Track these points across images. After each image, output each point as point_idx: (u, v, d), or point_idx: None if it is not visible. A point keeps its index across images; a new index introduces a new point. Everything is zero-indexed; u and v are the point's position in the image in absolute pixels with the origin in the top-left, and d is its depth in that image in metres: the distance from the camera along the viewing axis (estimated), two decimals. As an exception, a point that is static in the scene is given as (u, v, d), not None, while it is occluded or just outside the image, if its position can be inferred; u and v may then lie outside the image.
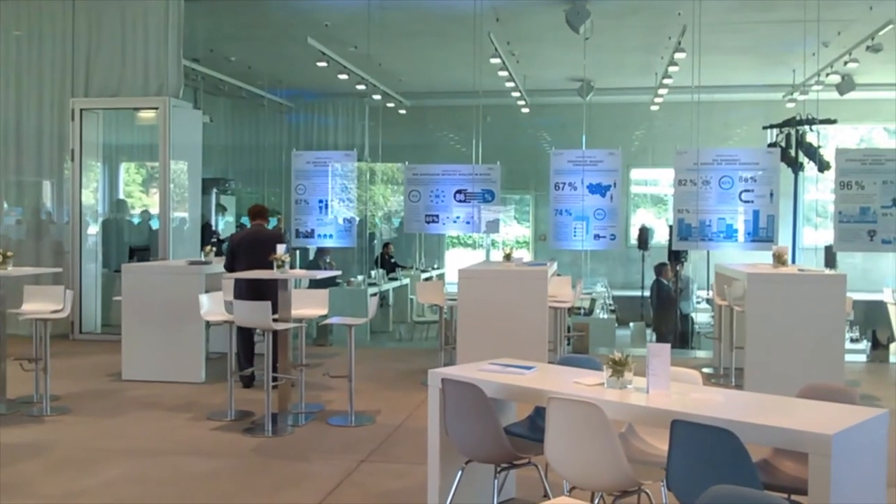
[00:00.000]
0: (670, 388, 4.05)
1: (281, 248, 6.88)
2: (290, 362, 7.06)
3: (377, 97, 15.98)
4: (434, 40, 13.91)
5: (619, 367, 4.12)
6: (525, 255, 18.66)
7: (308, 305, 7.38)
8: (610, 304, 14.06)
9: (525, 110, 17.60)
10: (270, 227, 9.19)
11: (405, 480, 5.41)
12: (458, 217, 11.30)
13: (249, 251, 7.89)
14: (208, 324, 8.46)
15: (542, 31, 13.28)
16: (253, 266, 7.47)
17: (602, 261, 17.53)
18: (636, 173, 19.32)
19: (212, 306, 7.40)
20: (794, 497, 3.67)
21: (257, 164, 17.24)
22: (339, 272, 8.17)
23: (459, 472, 4.41)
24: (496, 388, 4.34)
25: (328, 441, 6.39)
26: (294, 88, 17.64)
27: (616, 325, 12.58)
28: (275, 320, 6.66)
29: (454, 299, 8.22)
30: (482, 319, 7.76)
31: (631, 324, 13.08)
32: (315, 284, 8.49)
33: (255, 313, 6.53)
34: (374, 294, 11.02)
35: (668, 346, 4.17)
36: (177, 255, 10.85)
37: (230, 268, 7.97)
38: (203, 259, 9.29)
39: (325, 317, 7.54)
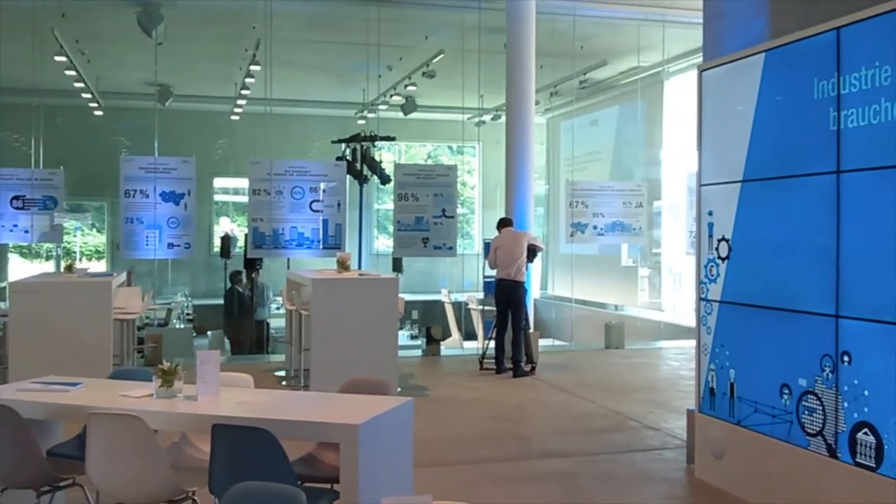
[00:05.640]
0: (220, 393, 4.15)
1: None
2: None
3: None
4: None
5: (168, 376, 4.12)
6: (98, 265, 17.63)
7: None
8: (188, 314, 13.87)
9: (98, 113, 16.65)
10: None
11: (-66, 520, 4.84)
12: (15, 225, 10.35)
13: None
14: None
15: (114, 31, 12.73)
16: None
17: (184, 270, 17.19)
18: (219, 182, 19.27)
19: None
20: (336, 486, 3.95)
21: None
22: None
23: (-6, 502, 4.08)
24: (35, 409, 4.09)
25: None
26: None
27: (194, 333, 12.44)
28: None
29: (6, 315, 7.54)
30: (38, 335, 7.22)
31: (209, 332, 13.02)
32: None
33: None
34: None
35: (217, 352, 4.28)
36: None
37: None
38: None
39: None
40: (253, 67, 13.29)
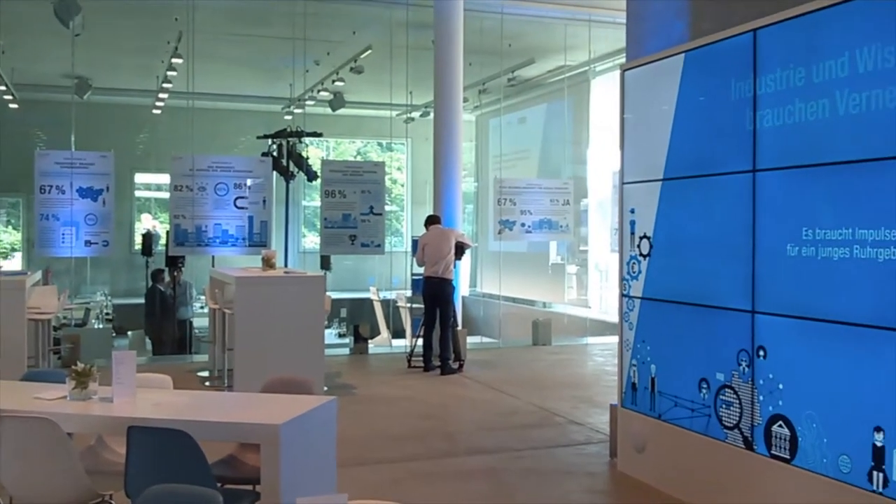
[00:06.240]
0: (137, 394, 4.04)
1: None
2: None
3: None
4: None
5: (82, 377, 4.00)
6: (14, 263, 17.04)
7: None
8: (108, 314, 13.50)
9: (13, 106, 16.08)
10: None
11: None
12: (-76, 222, 9.93)
13: None
14: None
15: (29, 22, 12.30)
16: None
17: (104, 268, 16.73)
18: (141, 177, 18.82)
19: None
20: (258, 487, 3.88)
21: None
22: None
23: None
24: (-61, 414, 3.92)
25: None
26: None
27: (114, 334, 12.13)
28: None
29: None
30: (-53, 337, 6.92)
31: (129, 332, 12.70)
32: None
33: None
34: None
35: (133, 353, 4.17)
36: None
37: None
38: None
39: None
40: (175, 60, 13.01)
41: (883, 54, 3.79)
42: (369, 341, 11.51)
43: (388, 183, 19.33)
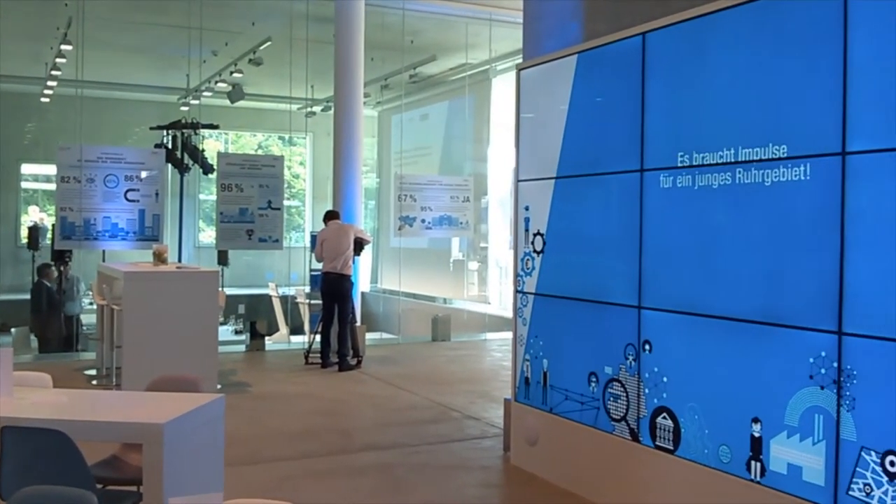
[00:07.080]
0: (13, 393, 3.87)
1: None
2: None
3: None
4: None
5: (-48, 377, 3.80)
6: None
7: None
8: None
9: None
10: None
11: None
12: None
13: None
14: None
15: None
16: None
17: (-12, 261, 16.00)
18: (28, 168, 18.03)
19: None
20: (142, 488, 3.77)
21: None
22: None
23: None
24: None
25: None
26: None
27: (-3, 331, 11.63)
28: None
29: None
30: None
31: (13, 329, 12.17)
32: None
33: None
34: None
35: (10, 350, 3.98)
36: None
37: None
38: None
39: None
40: (64, 47, 12.51)
41: (763, 59, 3.94)
42: (267, 338, 11.32)
43: (289, 178, 19.16)
